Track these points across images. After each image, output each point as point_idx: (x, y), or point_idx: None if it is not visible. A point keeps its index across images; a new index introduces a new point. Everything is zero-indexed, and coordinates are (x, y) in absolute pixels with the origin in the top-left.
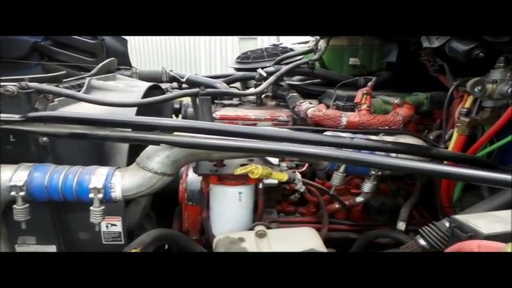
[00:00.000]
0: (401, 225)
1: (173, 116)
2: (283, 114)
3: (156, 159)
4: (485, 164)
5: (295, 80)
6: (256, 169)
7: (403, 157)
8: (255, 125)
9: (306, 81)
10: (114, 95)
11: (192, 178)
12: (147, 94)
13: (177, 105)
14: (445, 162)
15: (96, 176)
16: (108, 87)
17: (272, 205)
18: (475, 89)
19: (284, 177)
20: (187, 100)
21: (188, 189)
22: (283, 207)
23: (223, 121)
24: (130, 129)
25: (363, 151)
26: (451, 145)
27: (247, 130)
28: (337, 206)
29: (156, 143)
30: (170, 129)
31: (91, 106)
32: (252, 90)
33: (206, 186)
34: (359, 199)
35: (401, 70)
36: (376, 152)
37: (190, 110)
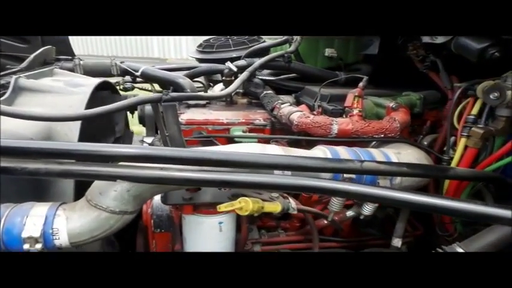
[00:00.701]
0: (396, 242)
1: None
2: (259, 117)
3: (112, 194)
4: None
5: (265, 74)
6: (246, 205)
7: (415, 190)
8: (227, 130)
9: (281, 76)
10: (51, 100)
11: (158, 201)
12: (95, 95)
13: None
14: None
15: (32, 219)
16: (42, 88)
17: (252, 221)
18: (491, 96)
19: (277, 208)
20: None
21: (155, 214)
22: (263, 222)
23: (190, 126)
24: (73, 161)
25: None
26: (458, 158)
27: (231, 157)
28: (325, 222)
29: (111, 178)
30: (129, 159)
31: (17, 121)
32: (219, 87)
33: (178, 215)
34: (349, 213)
35: (382, 64)
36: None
37: (149, 108)
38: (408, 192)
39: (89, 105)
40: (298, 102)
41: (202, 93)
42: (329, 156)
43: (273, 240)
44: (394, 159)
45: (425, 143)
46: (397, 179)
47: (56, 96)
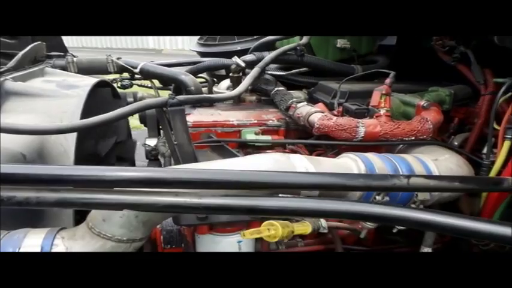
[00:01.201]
0: (426, 251)
1: None
2: (272, 117)
3: (118, 221)
4: None
5: (272, 69)
6: (275, 231)
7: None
8: (238, 132)
9: (292, 71)
10: (42, 104)
11: None
12: (92, 97)
13: (130, 99)
14: None
15: (26, 250)
16: (32, 91)
17: None
18: None
19: (308, 229)
20: (146, 92)
21: (164, 230)
22: None
23: (197, 129)
24: (70, 187)
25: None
26: (500, 163)
27: (257, 178)
28: (347, 232)
29: (116, 207)
30: (137, 185)
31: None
32: (225, 84)
33: (191, 232)
34: None
35: (400, 55)
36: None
37: None
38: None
39: (86, 108)
40: (311, 99)
41: (211, 95)
42: (361, 166)
43: (292, 251)
44: (433, 168)
45: (456, 143)
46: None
47: (48, 100)
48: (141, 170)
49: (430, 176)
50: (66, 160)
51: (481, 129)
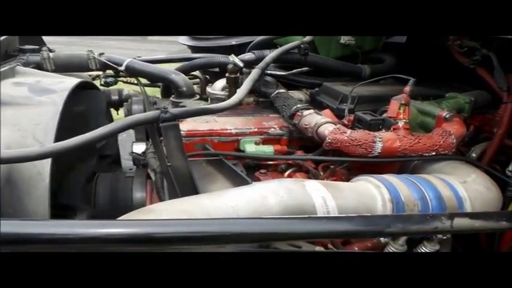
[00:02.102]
0: None
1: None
2: (273, 124)
3: None
4: None
5: (270, 68)
6: None
7: None
8: (236, 142)
9: (293, 71)
10: (11, 115)
11: None
12: (71, 102)
13: (115, 97)
14: None
15: None
16: None
17: None
18: None
19: None
20: (132, 89)
21: None
22: None
23: (191, 139)
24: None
25: None
26: None
27: (277, 228)
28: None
29: None
30: (126, 244)
31: None
32: (221, 84)
33: None
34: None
35: (408, 55)
36: None
37: (137, 107)
38: None
39: (64, 116)
40: (314, 101)
41: (210, 107)
42: (385, 194)
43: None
44: (463, 193)
45: (475, 155)
46: None
47: (18, 109)
48: (132, 225)
49: (474, 215)
50: (41, 183)
51: (501, 139)
